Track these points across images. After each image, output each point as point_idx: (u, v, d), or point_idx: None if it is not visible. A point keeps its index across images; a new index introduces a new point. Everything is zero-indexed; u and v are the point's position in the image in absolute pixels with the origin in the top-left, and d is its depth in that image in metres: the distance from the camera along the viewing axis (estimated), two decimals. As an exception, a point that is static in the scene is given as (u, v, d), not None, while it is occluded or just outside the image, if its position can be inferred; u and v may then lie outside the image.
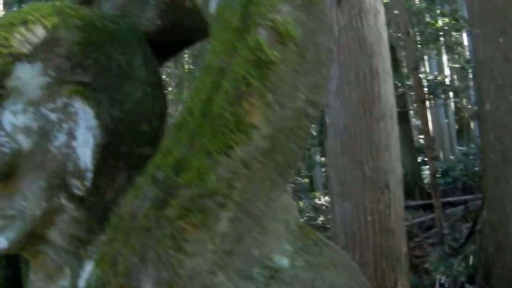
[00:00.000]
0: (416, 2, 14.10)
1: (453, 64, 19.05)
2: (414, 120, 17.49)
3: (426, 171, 11.94)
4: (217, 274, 0.80)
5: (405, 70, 12.88)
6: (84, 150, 0.95)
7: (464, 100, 20.19)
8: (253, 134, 0.74)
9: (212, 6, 0.96)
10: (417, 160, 12.43)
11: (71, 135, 0.96)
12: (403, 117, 9.76)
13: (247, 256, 0.85)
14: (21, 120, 0.95)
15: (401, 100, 9.55)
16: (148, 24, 1.17)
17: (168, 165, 0.77)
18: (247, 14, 0.81)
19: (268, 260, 0.89)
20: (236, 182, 0.74)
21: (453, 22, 14.33)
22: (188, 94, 0.86)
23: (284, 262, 0.93)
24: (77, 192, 0.95)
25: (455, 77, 19.47)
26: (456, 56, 18.56)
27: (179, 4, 1.13)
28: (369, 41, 3.06)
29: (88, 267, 1.00)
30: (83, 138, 0.95)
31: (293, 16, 0.80)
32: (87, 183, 0.95)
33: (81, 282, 1.02)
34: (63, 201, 0.97)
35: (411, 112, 15.48)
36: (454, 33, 16.38)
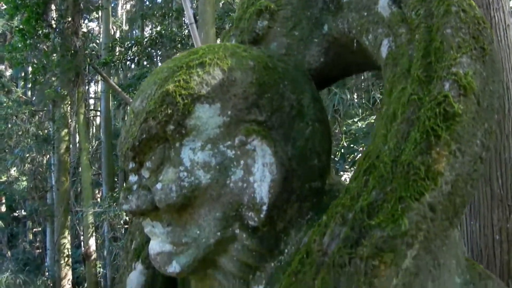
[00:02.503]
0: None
1: None
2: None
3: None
4: None
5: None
6: (261, 185, 0.99)
7: None
8: (439, 180, 0.79)
9: (384, 51, 1.00)
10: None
11: (248, 171, 1.00)
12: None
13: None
14: (200, 156, 1.01)
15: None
16: (312, 61, 1.22)
17: (359, 208, 0.82)
18: (429, 65, 0.86)
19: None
20: (423, 224, 0.79)
21: None
22: (372, 140, 0.91)
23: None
24: (252, 223, 1.01)
25: None
26: None
27: (345, 43, 1.17)
28: (499, 56, 2.96)
29: None
30: (260, 174, 1.00)
31: (471, 67, 0.84)
32: (262, 216, 0.99)
33: None
34: (237, 230, 1.02)
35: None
36: None
